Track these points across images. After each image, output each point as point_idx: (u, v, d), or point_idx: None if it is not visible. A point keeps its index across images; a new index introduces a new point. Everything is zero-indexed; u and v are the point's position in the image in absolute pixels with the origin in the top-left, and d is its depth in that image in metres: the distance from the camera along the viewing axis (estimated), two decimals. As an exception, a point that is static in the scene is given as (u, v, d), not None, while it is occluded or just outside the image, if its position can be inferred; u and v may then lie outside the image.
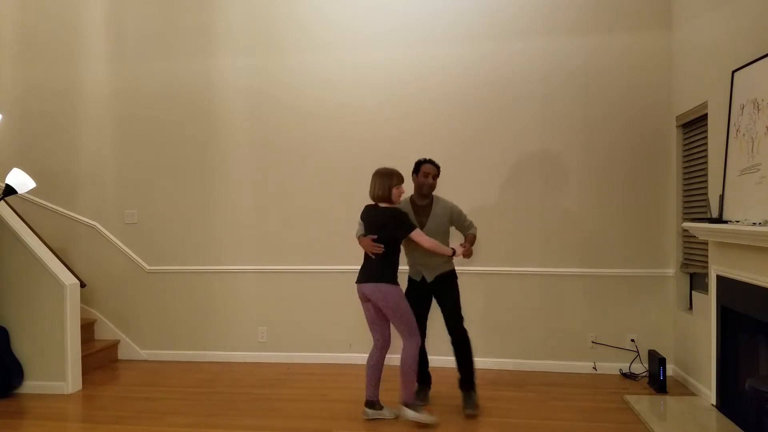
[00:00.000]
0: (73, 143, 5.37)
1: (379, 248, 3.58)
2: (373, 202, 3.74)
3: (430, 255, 3.79)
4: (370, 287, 3.60)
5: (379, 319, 3.69)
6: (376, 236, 3.61)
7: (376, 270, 3.60)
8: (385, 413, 3.71)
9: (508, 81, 4.78)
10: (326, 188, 5.03)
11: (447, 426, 3.60)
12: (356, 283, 3.69)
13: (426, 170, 3.91)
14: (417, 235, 3.60)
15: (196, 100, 5.19)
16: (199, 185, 5.20)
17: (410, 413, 3.55)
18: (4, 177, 4.15)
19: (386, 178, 3.64)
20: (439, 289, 3.91)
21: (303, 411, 3.89)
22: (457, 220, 3.96)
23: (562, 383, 4.43)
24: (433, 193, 3.95)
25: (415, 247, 3.79)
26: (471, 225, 4.00)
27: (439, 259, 3.84)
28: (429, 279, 3.88)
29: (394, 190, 3.63)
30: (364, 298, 3.68)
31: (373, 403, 3.71)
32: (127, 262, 5.28)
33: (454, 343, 3.88)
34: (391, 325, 3.70)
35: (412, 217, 3.84)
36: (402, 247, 3.79)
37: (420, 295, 3.91)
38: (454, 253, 3.74)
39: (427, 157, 4.02)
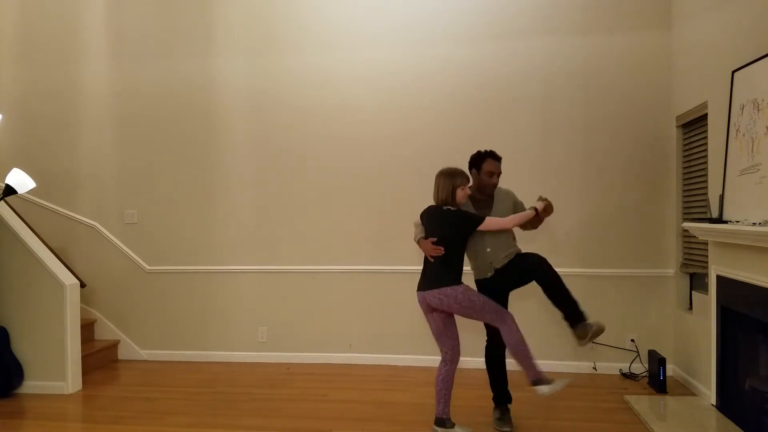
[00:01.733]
0: (73, 143, 5.37)
1: (440, 251, 3.26)
2: (435, 204, 3.42)
3: (497, 244, 3.45)
4: (434, 294, 3.25)
5: (447, 330, 3.38)
6: (436, 239, 3.30)
7: (438, 273, 3.28)
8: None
9: (508, 81, 4.78)
10: (326, 188, 5.03)
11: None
12: (418, 291, 3.35)
13: (490, 169, 3.45)
14: (492, 222, 3.29)
15: (196, 100, 5.19)
16: (198, 185, 5.20)
17: (544, 389, 3.24)
18: (4, 177, 4.15)
19: (449, 179, 3.32)
20: (512, 270, 3.48)
21: (303, 411, 3.89)
22: (515, 205, 3.59)
23: (562, 383, 4.43)
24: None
25: (479, 241, 3.44)
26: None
27: (505, 245, 3.49)
28: (498, 266, 3.46)
29: (459, 192, 3.31)
30: (428, 309, 3.34)
31: (443, 421, 3.36)
32: (127, 262, 5.28)
33: (541, 278, 3.42)
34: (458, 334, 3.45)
35: (470, 210, 3.46)
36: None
37: (493, 292, 3.48)
38: (537, 212, 3.36)
39: (488, 149, 3.51)
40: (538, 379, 3.28)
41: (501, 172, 3.52)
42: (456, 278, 3.29)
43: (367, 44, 4.94)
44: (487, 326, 3.57)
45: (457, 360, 3.42)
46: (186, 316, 5.22)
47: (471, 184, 3.41)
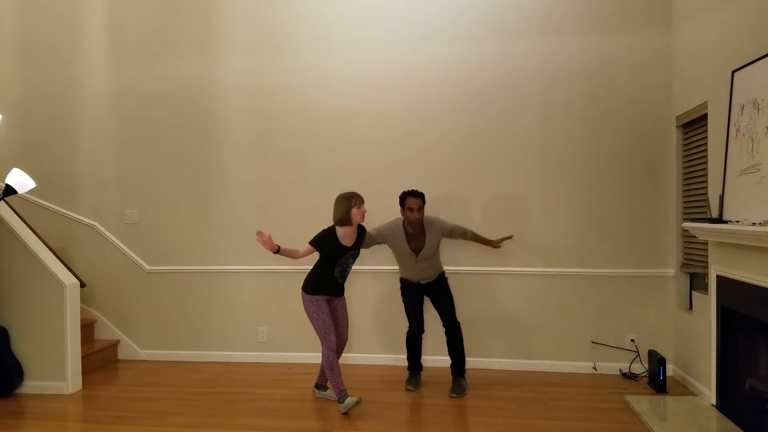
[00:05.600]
0: (73, 143, 5.37)
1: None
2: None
3: (430, 266, 4.24)
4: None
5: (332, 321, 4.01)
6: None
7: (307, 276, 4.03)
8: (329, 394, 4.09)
9: (508, 81, 4.78)
10: (326, 188, 5.01)
11: (446, 426, 3.60)
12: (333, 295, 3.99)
13: (410, 205, 4.08)
14: (306, 246, 3.93)
15: (196, 100, 5.19)
16: (199, 185, 5.20)
17: (342, 405, 3.81)
18: (4, 177, 4.15)
19: (345, 201, 3.86)
20: (433, 290, 4.31)
21: (303, 411, 3.89)
22: (450, 232, 4.28)
23: (562, 383, 4.43)
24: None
25: (414, 265, 4.20)
26: (464, 228, 4.36)
27: (434, 269, 4.28)
28: (424, 282, 4.30)
29: (354, 210, 3.84)
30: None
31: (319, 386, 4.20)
32: (127, 262, 5.28)
33: (449, 334, 4.28)
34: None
35: (402, 243, 4.16)
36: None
37: (417, 293, 4.34)
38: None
39: (410, 189, 4.17)
40: (339, 397, 3.82)
41: (423, 206, 4.12)
42: (308, 286, 3.91)
43: (367, 44, 4.94)
44: (408, 316, 4.34)
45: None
46: (186, 316, 5.22)
47: (363, 205, 3.93)
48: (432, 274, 4.27)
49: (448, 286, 4.33)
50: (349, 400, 3.77)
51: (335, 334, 3.91)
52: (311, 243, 3.91)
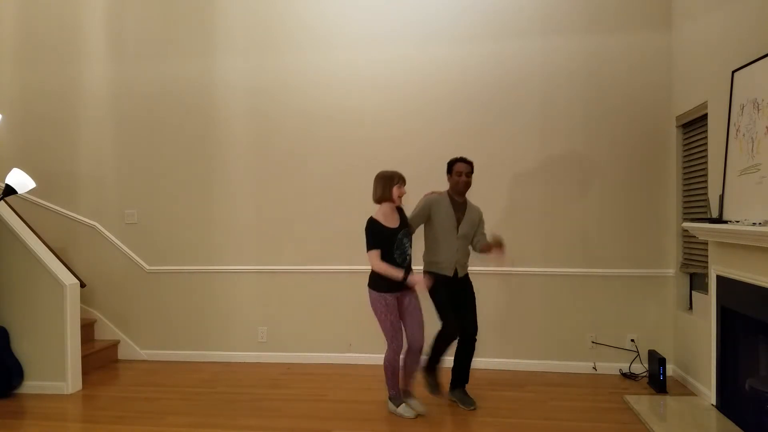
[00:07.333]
0: (73, 143, 5.37)
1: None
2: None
3: (465, 252, 3.99)
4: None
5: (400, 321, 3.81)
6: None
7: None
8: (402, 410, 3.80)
9: (509, 81, 4.78)
10: (326, 188, 5.03)
11: (446, 426, 3.60)
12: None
13: (459, 169, 3.95)
14: (370, 254, 3.69)
15: (196, 100, 5.19)
16: (198, 185, 5.20)
17: (392, 407, 3.78)
18: (4, 177, 4.15)
19: (387, 180, 3.72)
20: (463, 288, 4.00)
21: (303, 411, 3.89)
22: (478, 227, 4.07)
23: (562, 383, 4.43)
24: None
25: (453, 241, 3.91)
26: (484, 236, 4.10)
27: (467, 258, 4.03)
28: (461, 274, 3.99)
29: (395, 189, 3.70)
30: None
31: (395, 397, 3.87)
32: (127, 262, 5.28)
33: (465, 344, 3.98)
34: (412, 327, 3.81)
35: (448, 211, 3.93)
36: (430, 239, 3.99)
37: (450, 291, 3.93)
38: (404, 280, 3.68)
39: (460, 156, 4.03)
40: (391, 396, 3.80)
41: (471, 172, 3.99)
42: (373, 282, 3.76)
43: (367, 44, 4.94)
44: (446, 317, 3.87)
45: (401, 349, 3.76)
46: (186, 316, 5.22)
47: (404, 185, 3.76)
48: (466, 263, 3.99)
49: (473, 287, 4.06)
50: (403, 410, 3.70)
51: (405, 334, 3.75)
52: (371, 247, 3.68)
